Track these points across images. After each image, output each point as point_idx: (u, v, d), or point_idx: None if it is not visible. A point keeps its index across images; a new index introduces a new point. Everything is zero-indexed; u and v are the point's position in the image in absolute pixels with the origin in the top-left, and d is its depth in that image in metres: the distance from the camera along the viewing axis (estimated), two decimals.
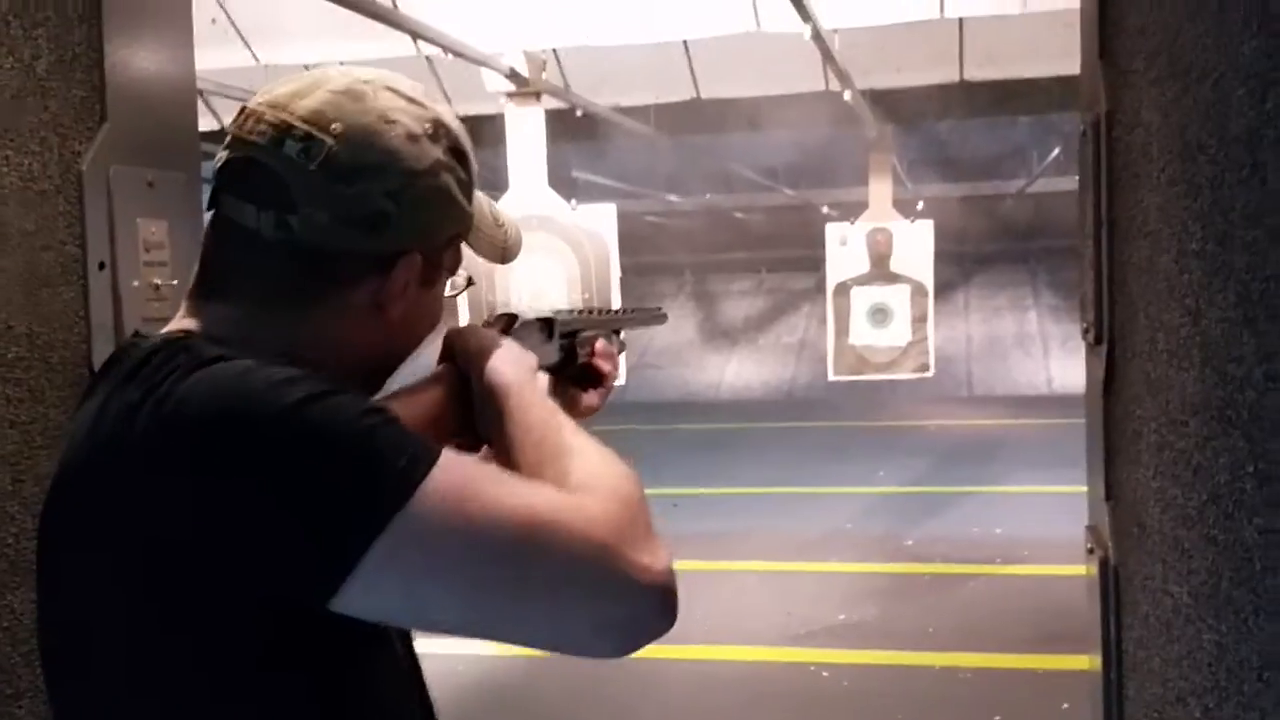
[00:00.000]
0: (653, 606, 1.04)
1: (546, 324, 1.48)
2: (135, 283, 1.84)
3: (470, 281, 1.35)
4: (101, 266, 1.78)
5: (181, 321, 1.20)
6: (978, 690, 5.99)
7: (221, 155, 1.19)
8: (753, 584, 8.10)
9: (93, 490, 1.07)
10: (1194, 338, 1.12)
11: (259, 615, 1.02)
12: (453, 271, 1.30)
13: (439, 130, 1.21)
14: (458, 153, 1.24)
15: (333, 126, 1.14)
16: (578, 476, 1.11)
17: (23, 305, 1.64)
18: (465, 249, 1.32)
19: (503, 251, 1.37)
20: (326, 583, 0.99)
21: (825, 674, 6.30)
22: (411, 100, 1.20)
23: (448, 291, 1.32)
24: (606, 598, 1.03)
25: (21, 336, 1.64)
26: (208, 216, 1.23)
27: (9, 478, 1.61)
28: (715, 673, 6.36)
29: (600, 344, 1.56)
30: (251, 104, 1.20)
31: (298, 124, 1.14)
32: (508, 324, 1.42)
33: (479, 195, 1.31)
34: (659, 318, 1.88)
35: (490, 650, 6.39)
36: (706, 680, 6.25)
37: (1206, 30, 1.08)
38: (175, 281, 1.92)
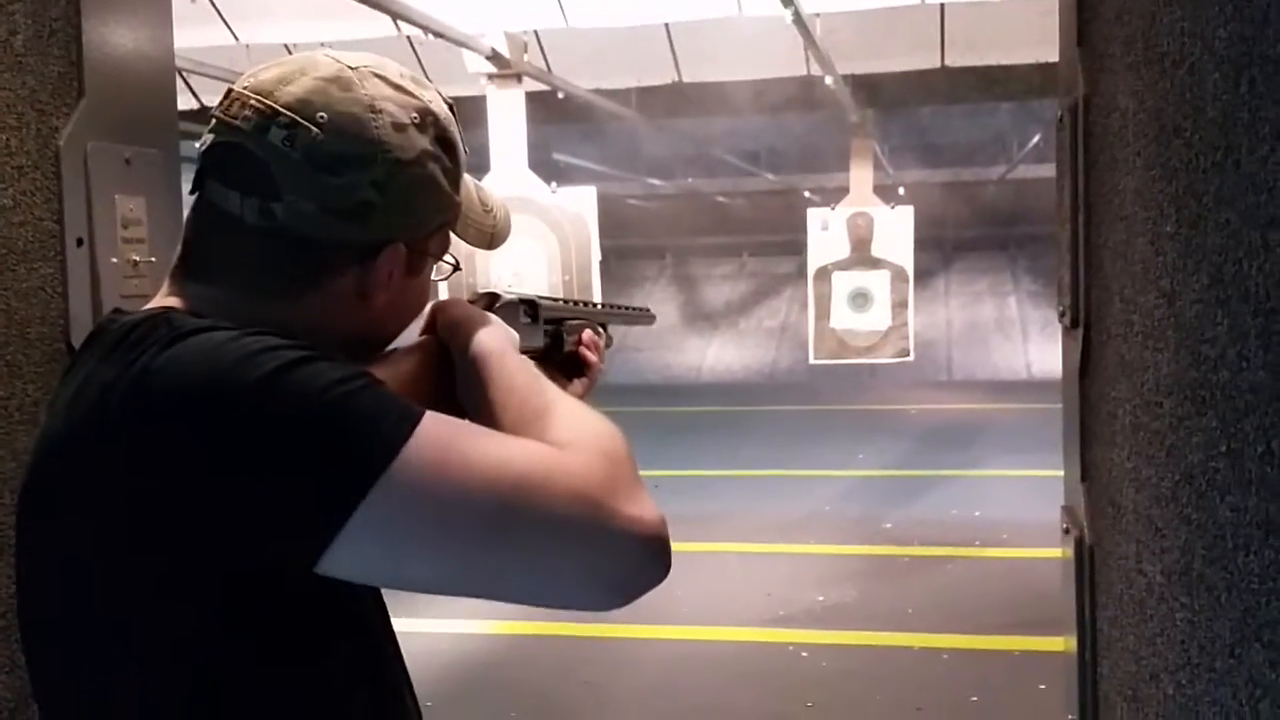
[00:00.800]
0: (644, 557, 1.05)
1: (530, 306, 1.47)
2: (113, 259, 1.83)
3: (457, 266, 1.34)
4: (79, 242, 1.77)
5: (164, 299, 1.19)
6: (956, 671, 6.03)
7: (206, 138, 1.19)
8: (733, 565, 8.12)
9: (74, 462, 1.07)
10: (1168, 319, 1.13)
11: (238, 583, 1.03)
12: (439, 258, 1.29)
13: (426, 119, 1.20)
14: (445, 142, 1.23)
15: (319, 115, 1.13)
16: (561, 433, 1.11)
17: (0, 280, 1.64)
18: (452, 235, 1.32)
19: (490, 237, 1.36)
20: (312, 547, 0.99)
21: (804, 654, 6.33)
22: (399, 88, 1.20)
23: (434, 276, 1.31)
24: (595, 551, 1.03)
25: None
26: (190, 199, 1.22)
27: None
28: (695, 653, 6.38)
29: (587, 334, 1.56)
30: (237, 87, 1.19)
31: (283, 111, 1.13)
32: (489, 302, 1.42)
33: (467, 180, 1.31)
34: (647, 318, 1.88)
35: (471, 629, 6.41)
36: (686, 660, 6.27)
37: (1183, 15, 1.09)
38: (153, 258, 1.92)
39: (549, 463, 1.04)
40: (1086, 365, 1.55)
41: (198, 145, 1.20)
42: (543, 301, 1.49)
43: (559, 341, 1.52)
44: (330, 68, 1.17)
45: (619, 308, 1.74)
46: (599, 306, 1.67)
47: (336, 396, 1.01)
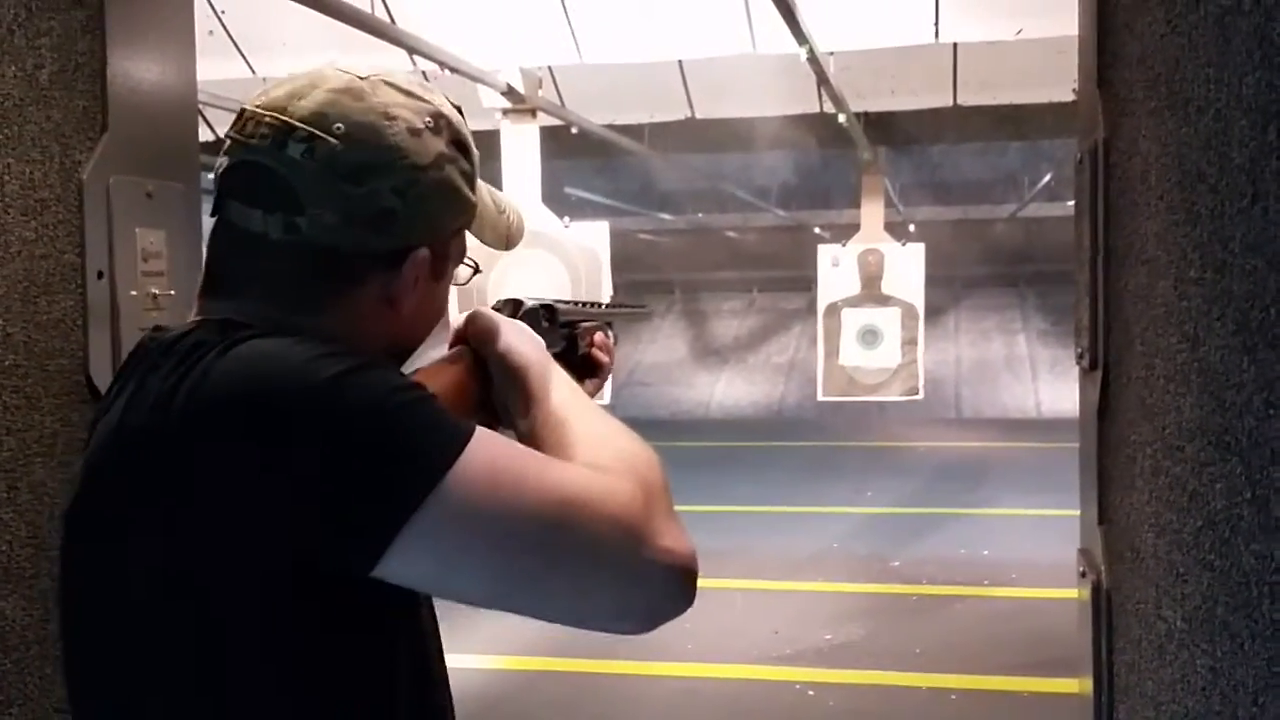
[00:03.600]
0: (674, 587, 1.08)
1: (549, 311, 1.51)
2: (133, 292, 1.84)
3: (476, 269, 1.35)
4: (100, 275, 1.78)
5: (196, 319, 1.20)
6: (964, 712, 5.99)
7: (221, 161, 1.19)
8: (739, 602, 8.08)
9: (135, 472, 1.07)
10: (1192, 364, 1.13)
11: (295, 581, 1.03)
12: (459, 262, 1.31)
13: (440, 122, 1.21)
14: (459, 144, 1.24)
15: (335, 126, 1.13)
16: (604, 457, 1.13)
17: (21, 312, 1.64)
18: (469, 238, 1.33)
19: (506, 237, 1.37)
20: (367, 552, 1.01)
21: (811, 693, 6.29)
22: (409, 94, 1.20)
23: (455, 281, 1.32)
24: (629, 579, 1.06)
25: (19, 344, 1.64)
26: (210, 223, 1.23)
27: (4, 485, 1.61)
28: (701, 690, 6.34)
29: (598, 336, 1.60)
30: (249, 107, 1.19)
31: (300, 125, 1.14)
32: (514, 308, 1.45)
33: (480, 183, 1.31)
34: (644, 313, 1.95)
35: (477, 664, 6.38)
36: (692, 697, 6.24)
37: (1208, 61, 1.09)
38: (173, 291, 1.92)
39: (593, 488, 1.06)
40: (1105, 407, 1.55)
41: (214, 169, 1.20)
42: (560, 306, 1.54)
43: (574, 344, 1.57)
44: (341, 79, 1.18)
45: (622, 306, 1.81)
46: (604, 307, 1.72)
47: (399, 404, 1.04)
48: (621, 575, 1.06)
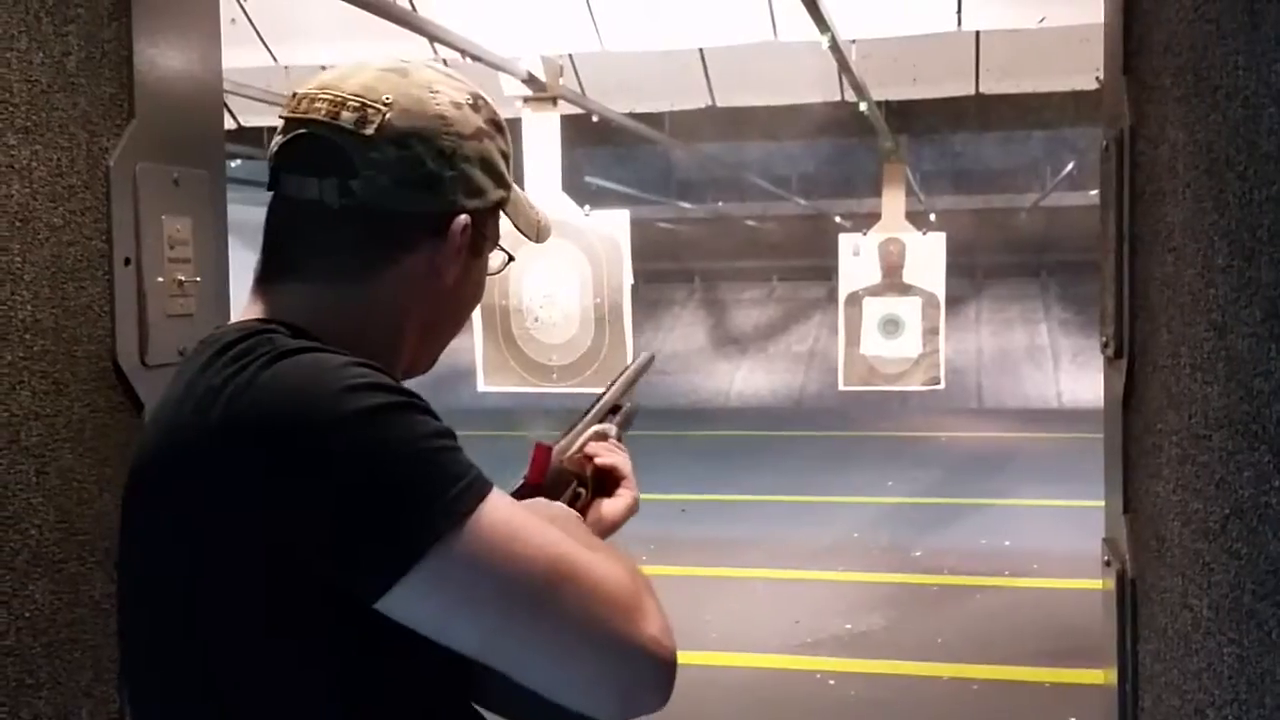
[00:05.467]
0: (650, 676, 1.09)
1: (544, 453, 1.39)
2: (159, 278, 1.85)
3: (510, 258, 1.38)
4: (127, 262, 1.79)
5: (251, 309, 1.24)
6: (986, 701, 5.99)
7: (277, 140, 1.24)
8: (760, 591, 8.10)
9: (173, 468, 1.10)
10: (1219, 352, 1.13)
11: (322, 599, 1.05)
12: (494, 244, 1.34)
13: (479, 101, 1.28)
14: (496, 124, 1.30)
15: (385, 97, 1.20)
16: (601, 548, 1.16)
17: (49, 298, 1.65)
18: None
19: (538, 229, 1.40)
20: (375, 585, 1.03)
21: (832, 682, 6.29)
22: (449, 76, 1.28)
23: (490, 268, 1.36)
24: (614, 655, 1.08)
25: (48, 330, 1.65)
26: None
27: (33, 470, 1.62)
28: (722, 679, 6.36)
29: (591, 447, 1.48)
30: (302, 90, 1.25)
31: (350, 97, 1.21)
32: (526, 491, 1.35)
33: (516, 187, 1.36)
34: (649, 364, 1.74)
35: None
36: (713, 686, 6.25)
37: (1237, 48, 1.08)
38: (199, 278, 1.93)
39: (593, 563, 1.10)
40: (1130, 396, 1.54)
41: (270, 147, 1.26)
42: (556, 447, 1.43)
43: (581, 476, 1.44)
44: (387, 61, 1.26)
45: (623, 376, 1.65)
46: (605, 391, 1.59)
47: (428, 449, 1.06)
48: (607, 649, 1.07)
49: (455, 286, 1.28)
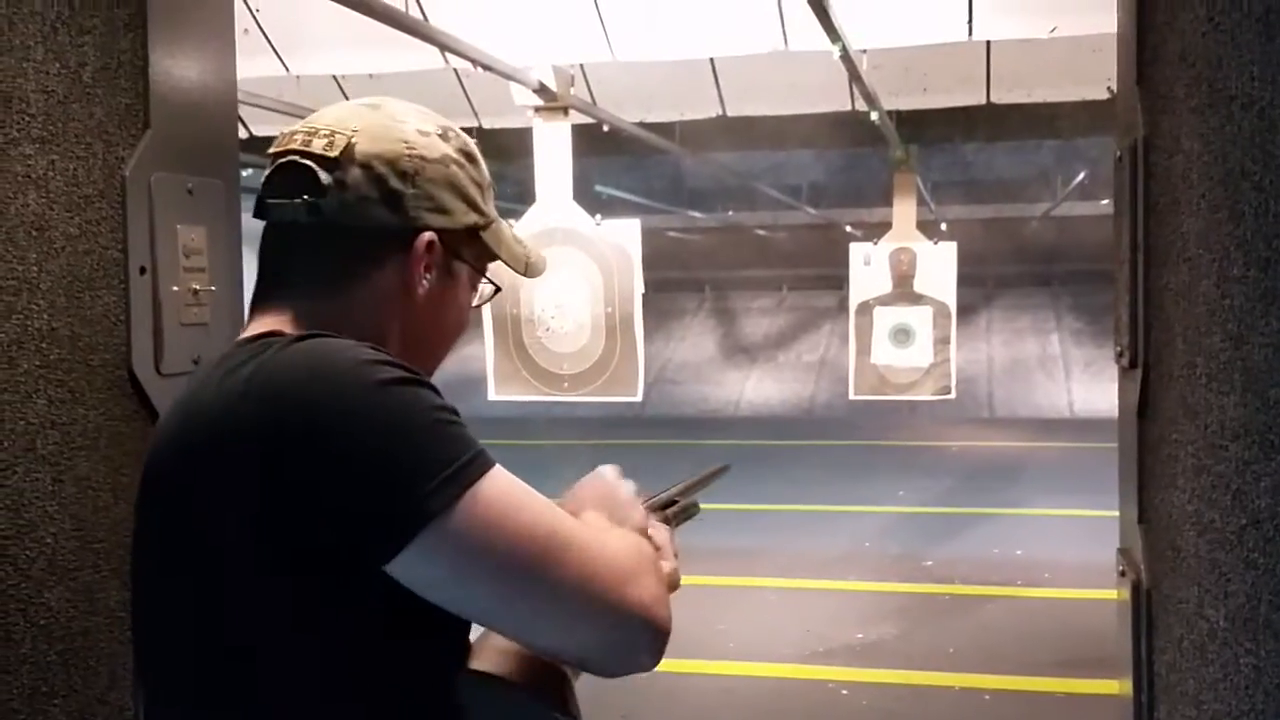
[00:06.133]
0: (645, 640, 1.18)
1: None
2: (174, 287, 1.86)
3: (497, 289, 1.47)
4: (142, 271, 1.80)
5: (248, 330, 1.30)
6: (998, 712, 5.97)
7: (265, 173, 1.34)
8: (772, 600, 8.08)
9: (196, 446, 1.17)
10: (1235, 362, 1.13)
11: (337, 571, 1.11)
12: (476, 271, 1.41)
13: (448, 132, 1.37)
14: (468, 154, 1.38)
15: (353, 125, 1.31)
16: (610, 530, 1.25)
17: (65, 307, 1.66)
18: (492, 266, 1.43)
19: (525, 263, 1.47)
20: (383, 549, 1.09)
21: (844, 692, 6.28)
22: (421, 110, 1.38)
23: (475, 300, 1.44)
24: (606, 617, 1.16)
25: (64, 338, 1.66)
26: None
27: (49, 478, 1.63)
28: (733, 688, 6.35)
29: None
30: (288, 129, 1.36)
31: (324, 128, 1.32)
32: None
33: (503, 222, 1.44)
34: (719, 473, 1.75)
35: None
36: (724, 695, 6.24)
37: (1252, 59, 1.09)
38: (213, 287, 1.94)
39: (592, 534, 1.19)
40: (1145, 406, 1.54)
41: (262, 182, 1.35)
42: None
43: None
44: (364, 100, 1.38)
45: (694, 479, 1.67)
46: (672, 487, 1.60)
47: (439, 419, 1.14)
48: (601, 613, 1.15)
49: (429, 304, 1.34)
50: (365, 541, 1.09)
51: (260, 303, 1.33)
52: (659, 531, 1.46)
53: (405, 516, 1.09)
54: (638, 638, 1.17)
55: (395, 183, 1.30)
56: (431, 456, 1.11)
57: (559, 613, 1.14)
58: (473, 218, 1.37)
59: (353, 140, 1.30)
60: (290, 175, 1.30)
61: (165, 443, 1.22)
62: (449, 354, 1.44)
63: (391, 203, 1.29)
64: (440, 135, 1.35)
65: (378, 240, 1.30)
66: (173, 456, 1.20)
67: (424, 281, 1.32)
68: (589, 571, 1.15)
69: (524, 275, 1.49)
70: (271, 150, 1.34)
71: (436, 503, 1.09)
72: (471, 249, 1.39)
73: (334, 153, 1.29)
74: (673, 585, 1.39)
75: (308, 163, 1.29)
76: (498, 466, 1.15)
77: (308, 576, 1.11)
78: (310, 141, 1.31)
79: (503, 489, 1.14)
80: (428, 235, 1.32)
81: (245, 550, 1.12)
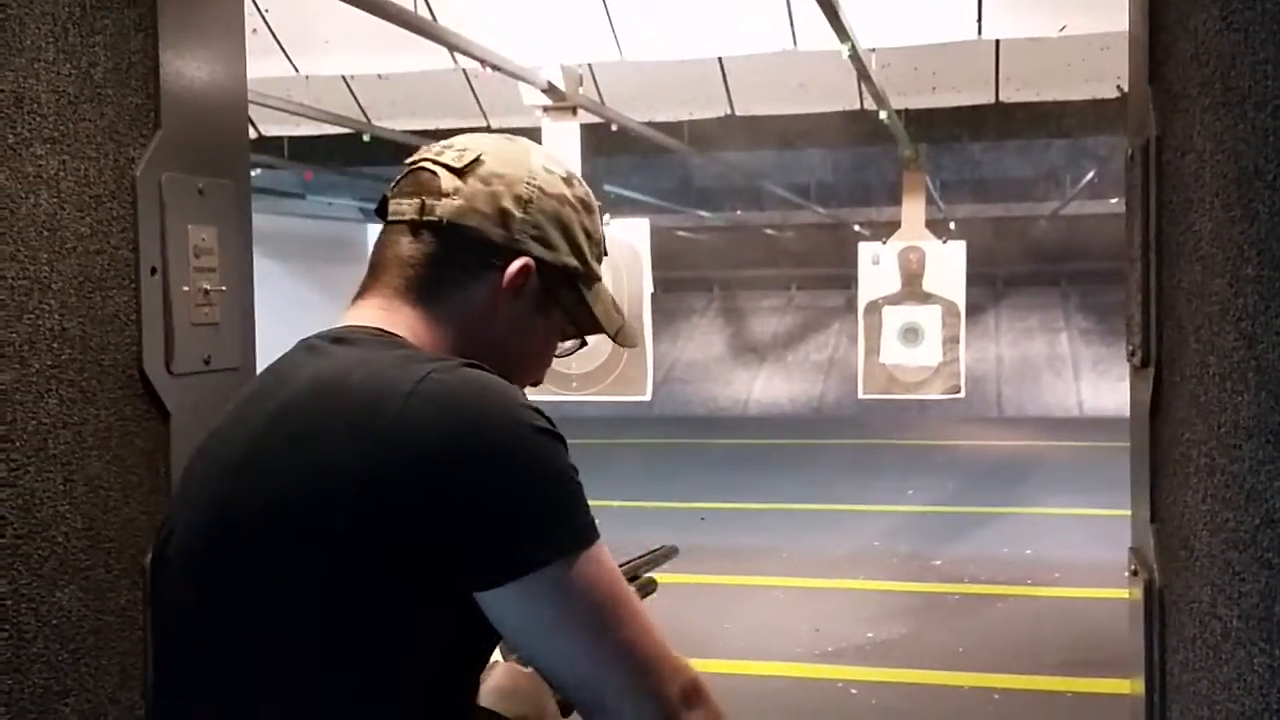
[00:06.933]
0: None
1: None
2: (185, 288, 1.86)
3: (582, 343, 1.53)
4: (153, 271, 1.80)
5: (347, 318, 1.36)
6: (1007, 711, 5.96)
7: (396, 179, 1.42)
8: (780, 600, 8.08)
9: (337, 423, 1.19)
10: (1249, 361, 1.12)
11: (429, 585, 1.15)
12: (569, 316, 1.44)
13: (573, 179, 1.43)
14: (585, 204, 1.44)
15: (486, 145, 1.40)
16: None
17: (76, 307, 1.66)
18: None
19: (619, 330, 1.51)
20: (486, 578, 1.14)
21: (854, 691, 6.28)
22: (552, 156, 1.44)
23: (559, 349, 1.49)
24: (653, 706, 1.17)
25: (75, 338, 1.66)
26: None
27: (60, 478, 1.63)
28: (742, 688, 6.34)
29: None
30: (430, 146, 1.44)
31: (460, 144, 1.40)
32: None
33: (608, 287, 1.49)
34: (668, 555, 1.80)
35: None
36: (733, 694, 6.22)
37: (1266, 58, 1.08)
38: (224, 287, 1.94)
39: (664, 641, 1.21)
40: (1158, 405, 1.54)
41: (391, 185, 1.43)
42: None
43: None
44: (504, 135, 1.45)
45: (647, 555, 1.74)
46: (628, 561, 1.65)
47: (574, 478, 1.20)
48: (652, 700, 1.17)
49: (512, 332, 1.38)
50: (471, 566, 1.13)
51: (361, 295, 1.38)
52: None
53: (519, 554, 1.13)
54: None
55: (508, 203, 1.36)
56: (561, 509, 1.17)
57: (618, 685, 1.17)
58: (574, 262, 1.41)
59: (481, 156, 1.37)
60: (417, 179, 1.38)
61: (290, 400, 1.23)
62: (524, 386, 1.44)
63: (500, 217, 1.35)
64: (564, 179, 1.41)
65: (478, 253, 1.35)
66: (301, 416, 1.21)
67: (510, 304, 1.37)
68: (656, 663, 1.18)
69: (614, 340, 1.51)
70: (408, 160, 1.42)
71: (553, 551, 1.14)
72: (569, 294, 1.43)
73: (461, 164, 1.36)
74: None
75: (435, 168, 1.37)
76: (601, 539, 1.20)
77: (402, 578, 1.14)
78: (443, 153, 1.38)
79: (606, 561, 1.19)
80: (525, 260, 1.36)
81: (350, 530, 1.14)
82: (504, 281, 1.36)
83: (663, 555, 1.75)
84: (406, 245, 1.37)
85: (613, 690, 1.17)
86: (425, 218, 1.35)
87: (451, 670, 1.22)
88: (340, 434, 1.17)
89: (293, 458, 1.20)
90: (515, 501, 1.15)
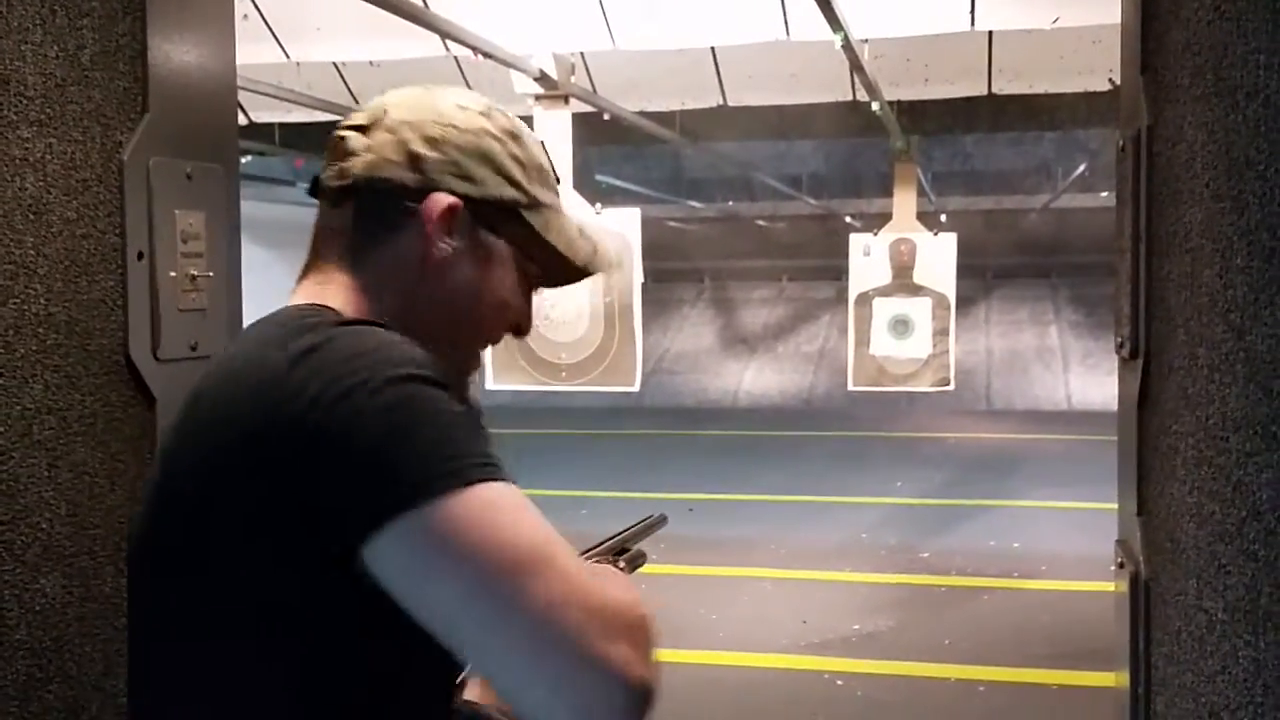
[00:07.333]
0: (619, 699, 1.01)
1: None
2: (172, 273, 1.85)
3: (540, 274, 1.40)
4: (140, 256, 1.79)
5: (291, 298, 1.32)
6: (992, 703, 5.98)
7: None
8: (768, 591, 8.09)
9: (220, 418, 1.16)
10: (1238, 353, 1.12)
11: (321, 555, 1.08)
12: (528, 256, 1.37)
13: (492, 110, 1.36)
14: (511, 133, 1.36)
15: (394, 99, 1.35)
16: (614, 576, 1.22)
17: (62, 292, 1.65)
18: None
19: (593, 258, 1.42)
20: (361, 527, 1.05)
21: (839, 683, 6.29)
22: (472, 95, 1.38)
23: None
24: (576, 661, 1.00)
25: (61, 323, 1.65)
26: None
27: (45, 463, 1.62)
28: (729, 678, 6.35)
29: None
30: None
31: (368, 105, 1.37)
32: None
33: (568, 213, 1.41)
34: (658, 523, 1.72)
35: None
36: (720, 685, 6.24)
37: (1258, 48, 1.08)
38: (211, 272, 1.93)
39: (580, 572, 1.05)
40: (1145, 397, 1.54)
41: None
42: None
43: None
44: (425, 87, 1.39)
45: (636, 526, 1.65)
46: (619, 533, 1.60)
47: (454, 421, 1.10)
48: (572, 655, 1.00)
49: (454, 277, 1.31)
50: (347, 514, 1.05)
51: (302, 275, 1.35)
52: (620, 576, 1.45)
53: (389, 496, 1.04)
54: (609, 696, 1.01)
55: (418, 146, 1.30)
56: (434, 447, 1.06)
57: (521, 640, 1.01)
58: (509, 192, 1.33)
59: (387, 113, 1.33)
60: (334, 148, 1.35)
61: (199, 388, 1.23)
62: (497, 338, 1.40)
63: (411, 163, 1.30)
64: (481, 113, 1.35)
65: (395, 202, 1.30)
66: (205, 404, 1.20)
67: (441, 246, 1.29)
68: (567, 600, 1.01)
69: (586, 269, 1.41)
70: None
71: (424, 490, 1.03)
72: (513, 228, 1.35)
73: (368, 121, 1.33)
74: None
75: (345, 132, 1.34)
76: (507, 484, 1.08)
77: (294, 551, 1.09)
78: (354, 116, 1.36)
79: (499, 496, 1.06)
80: (445, 198, 1.29)
81: (236, 509, 1.11)
82: (427, 228, 1.29)
83: (651, 525, 1.66)
84: (331, 215, 1.34)
85: (526, 666, 1.01)
86: (340, 183, 1.32)
87: (378, 673, 1.13)
88: (225, 417, 1.15)
89: (195, 447, 1.18)
90: (379, 449, 1.05)
